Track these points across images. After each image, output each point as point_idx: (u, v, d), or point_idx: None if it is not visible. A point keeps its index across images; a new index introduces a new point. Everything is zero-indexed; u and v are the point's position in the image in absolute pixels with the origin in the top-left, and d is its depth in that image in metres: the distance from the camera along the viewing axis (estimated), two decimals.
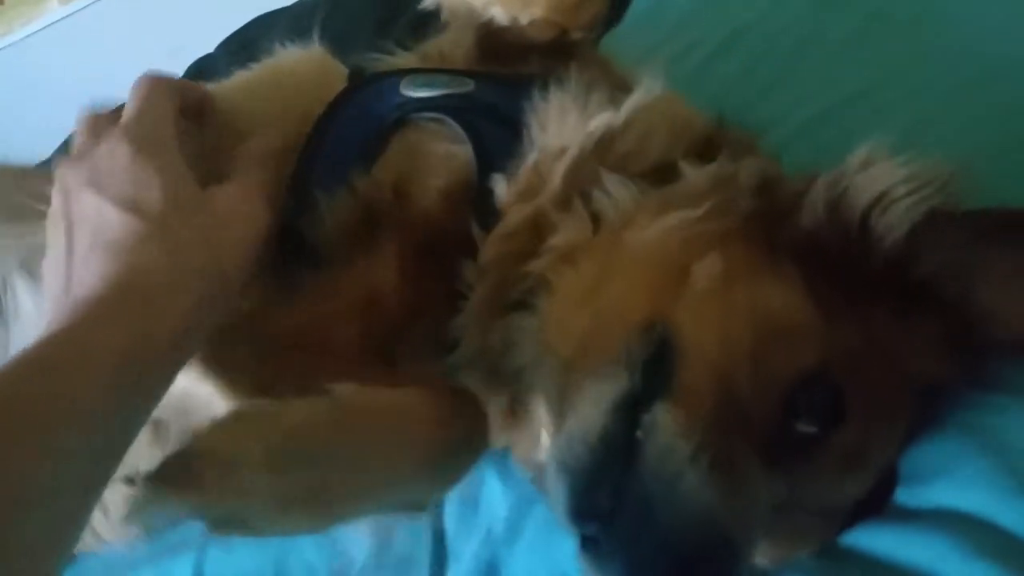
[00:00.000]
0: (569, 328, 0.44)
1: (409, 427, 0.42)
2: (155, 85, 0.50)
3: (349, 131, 0.55)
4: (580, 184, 0.48)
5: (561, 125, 0.51)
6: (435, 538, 0.58)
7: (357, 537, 0.60)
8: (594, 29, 0.66)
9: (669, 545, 0.34)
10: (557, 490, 0.37)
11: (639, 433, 0.36)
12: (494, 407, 0.53)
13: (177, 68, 1.23)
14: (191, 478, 0.34)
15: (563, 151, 0.49)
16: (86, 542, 0.67)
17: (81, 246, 0.43)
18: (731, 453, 0.35)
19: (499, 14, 0.63)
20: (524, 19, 0.62)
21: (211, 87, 0.63)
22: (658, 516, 0.34)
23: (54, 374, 0.37)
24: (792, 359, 0.38)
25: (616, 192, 0.48)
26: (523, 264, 0.47)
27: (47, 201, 0.66)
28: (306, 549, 0.61)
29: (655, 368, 0.38)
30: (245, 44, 0.80)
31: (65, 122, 1.32)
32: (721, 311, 0.40)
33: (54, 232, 0.46)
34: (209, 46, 1.40)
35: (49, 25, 1.75)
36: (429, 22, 0.68)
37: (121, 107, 0.51)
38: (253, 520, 0.35)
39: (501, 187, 0.49)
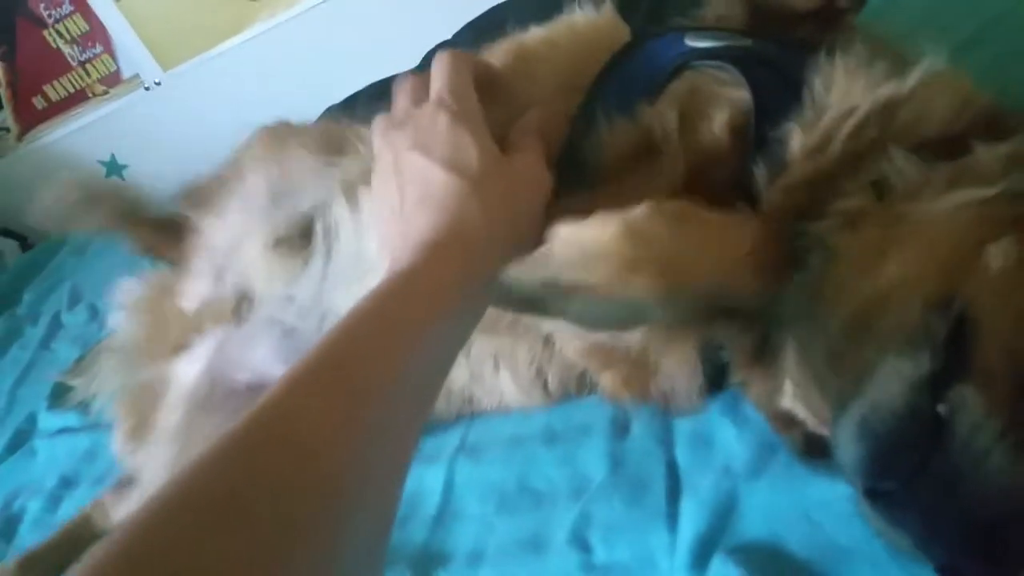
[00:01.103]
0: (849, 292, 0.46)
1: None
2: (455, 59, 0.58)
3: (635, 71, 0.60)
4: (864, 147, 0.50)
5: (849, 87, 0.52)
6: (668, 467, 0.62)
7: (595, 459, 0.67)
8: None
9: (975, 514, 0.37)
10: (856, 449, 0.41)
11: (941, 408, 0.39)
12: (738, 347, 0.56)
13: (418, 53, 1.34)
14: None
15: (850, 112, 0.51)
16: None
17: (411, 199, 0.52)
18: None
19: None
20: None
21: (499, 51, 0.70)
22: (964, 487, 0.37)
23: (404, 299, 0.46)
24: None
25: (901, 162, 0.49)
26: (799, 220, 0.50)
27: (350, 143, 0.78)
28: (547, 465, 0.69)
29: (954, 346, 0.40)
30: (482, 32, 0.87)
31: (328, 95, 1.48)
32: (1017, 294, 0.41)
33: (384, 185, 0.56)
34: (449, 31, 1.51)
35: (308, 9, 1.94)
36: None
37: (427, 73, 0.59)
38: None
39: (797, 139, 0.52)
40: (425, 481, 0.75)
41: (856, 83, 0.53)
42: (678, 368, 0.60)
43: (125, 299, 0.98)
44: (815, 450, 0.54)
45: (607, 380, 0.67)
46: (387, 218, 0.55)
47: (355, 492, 0.37)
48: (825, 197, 0.50)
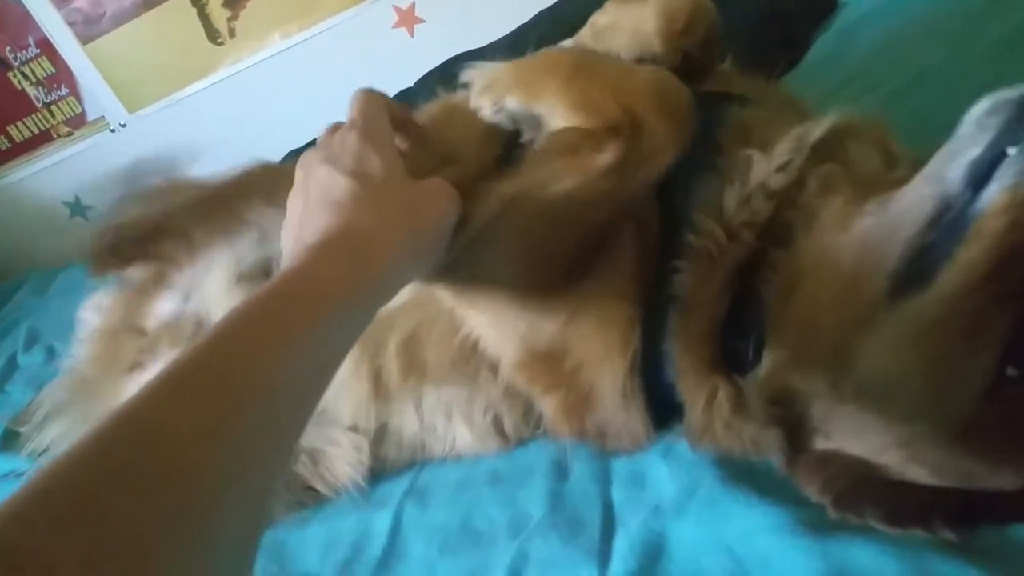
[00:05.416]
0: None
1: None
2: (371, 95, 0.61)
3: None
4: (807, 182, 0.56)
5: (774, 130, 0.58)
6: (604, 507, 0.64)
7: (535, 498, 0.68)
8: (713, 47, 0.71)
9: None
10: None
11: None
12: (691, 356, 0.57)
13: None
14: None
15: (799, 141, 0.57)
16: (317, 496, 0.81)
17: (313, 205, 0.53)
18: None
19: (626, 55, 0.69)
20: (648, 56, 0.68)
21: (425, 109, 0.74)
22: None
23: (286, 299, 0.45)
24: None
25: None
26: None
27: None
28: (490, 506, 0.70)
29: None
30: (442, 81, 0.90)
31: (290, 138, 1.50)
32: None
33: (294, 198, 0.58)
34: (410, 80, 1.55)
35: (272, 55, 1.98)
36: None
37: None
38: None
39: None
40: (373, 524, 0.76)
41: (780, 130, 0.58)
42: (611, 392, 0.61)
43: (88, 317, 0.99)
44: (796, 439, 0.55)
45: (549, 407, 0.67)
46: (289, 227, 0.57)
47: (224, 487, 0.36)
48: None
